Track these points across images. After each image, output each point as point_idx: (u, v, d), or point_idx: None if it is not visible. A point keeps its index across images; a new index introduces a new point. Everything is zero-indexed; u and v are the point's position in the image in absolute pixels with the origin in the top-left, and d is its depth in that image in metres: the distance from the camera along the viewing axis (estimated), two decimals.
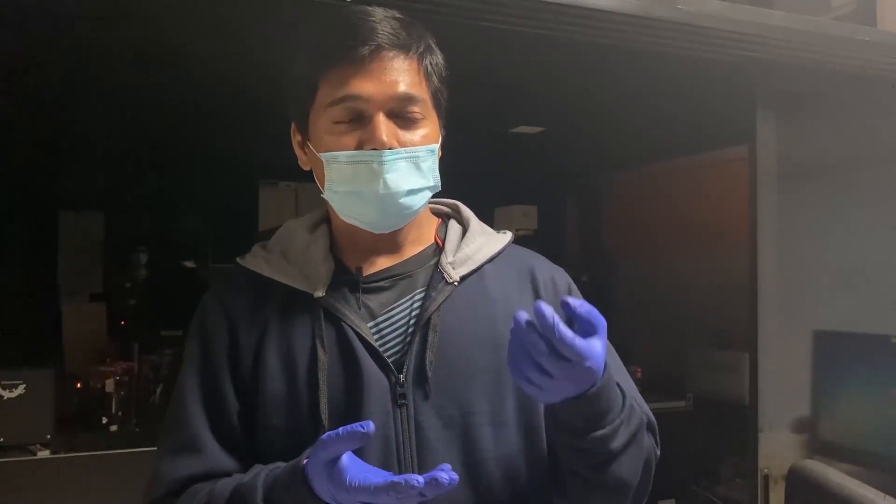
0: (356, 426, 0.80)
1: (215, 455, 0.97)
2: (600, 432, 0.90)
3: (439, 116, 1.04)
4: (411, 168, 0.97)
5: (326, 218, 1.09)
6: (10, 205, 3.44)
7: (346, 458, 0.82)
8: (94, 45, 2.22)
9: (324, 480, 0.82)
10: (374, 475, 0.81)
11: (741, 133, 2.42)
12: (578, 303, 0.83)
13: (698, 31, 2.12)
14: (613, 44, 2.10)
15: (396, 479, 0.78)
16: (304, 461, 0.86)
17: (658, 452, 1.07)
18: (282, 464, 0.91)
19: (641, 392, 1.09)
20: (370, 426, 0.80)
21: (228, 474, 0.97)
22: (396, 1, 1.66)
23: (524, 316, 0.82)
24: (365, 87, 0.95)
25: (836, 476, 1.69)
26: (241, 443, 0.99)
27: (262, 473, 0.91)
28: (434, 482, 0.77)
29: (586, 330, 0.83)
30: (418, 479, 0.77)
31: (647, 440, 1.02)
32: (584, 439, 0.90)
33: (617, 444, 0.92)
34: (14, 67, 2.41)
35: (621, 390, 0.95)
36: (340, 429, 0.81)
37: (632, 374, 3.88)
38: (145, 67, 2.43)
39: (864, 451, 2.35)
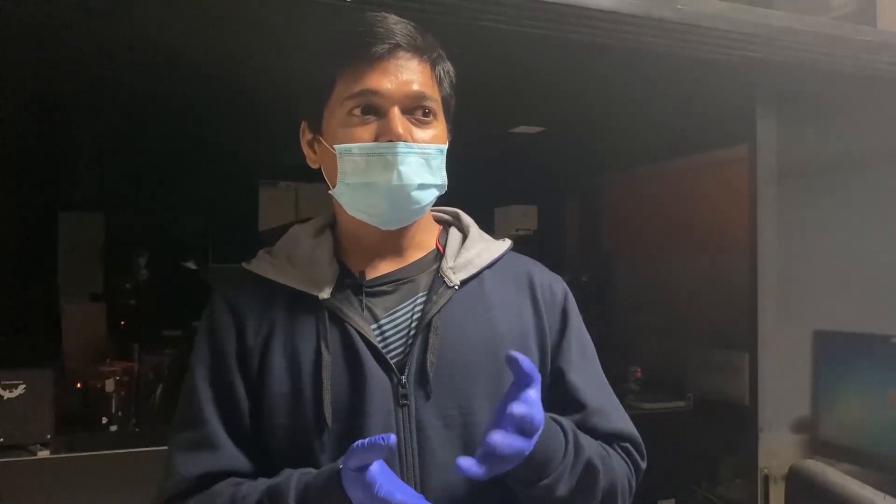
0: (377, 439, 0.83)
1: (230, 452, 0.99)
2: (545, 481, 0.94)
3: (448, 121, 1.07)
4: (422, 163, 1.00)
5: (331, 223, 1.11)
6: (10, 205, 3.44)
7: (377, 468, 0.85)
8: (94, 45, 2.22)
9: (355, 487, 0.85)
10: (399, 491, 0.84)
11: (741, 133, 2.43)
12: (523, 358, 0.87)
13: (698, 31, 2.12)
14: (613, 44, 2.10)
15: (417, 500, 0.84)
16: (340, 466, 0.88)
17: (644, 465, 1.09)
18: (312, 470, 0.93)
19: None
20: (391, 439, 0.83)
21: (243, 472, 0.98)
22: (397, 1, 1.66)
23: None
24: (381, 82, 0.98)
25: (836, 476, 1.69)
26: (253, 440, 1.00)
27: (293, 477, 0.93)
28: None
29: (525, 382, 0.88)
30: None
31: (608, 473, 1.02)
32: (533, 488, 0.94)
33: (563, 490, 0.95)
34: (14, 67, 2.41)
35: (563, 431, 0.97)
36: (366, 439, 0.84)
37: (631, 375, 3.86)
38: (145, 67, 2.43)
39: (864, 451, 2.35)
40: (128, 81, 2.60)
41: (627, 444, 1.08)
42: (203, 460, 0.97)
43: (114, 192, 3.97)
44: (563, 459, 0.95)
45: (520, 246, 1.17)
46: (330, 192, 1.04)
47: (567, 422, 0.99)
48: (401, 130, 0.98)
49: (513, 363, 0.86)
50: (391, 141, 0.98)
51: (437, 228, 1.14)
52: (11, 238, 3.52)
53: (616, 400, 1.12)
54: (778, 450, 2.33)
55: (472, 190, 1.88)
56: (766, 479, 2.30)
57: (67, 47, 2.24)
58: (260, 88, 2.54)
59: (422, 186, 1.00)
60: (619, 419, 1.09)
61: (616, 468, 1.04)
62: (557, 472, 0.94)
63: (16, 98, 2.78)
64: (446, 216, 1.16)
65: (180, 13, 1.97)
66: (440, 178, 1.02)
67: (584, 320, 1.14)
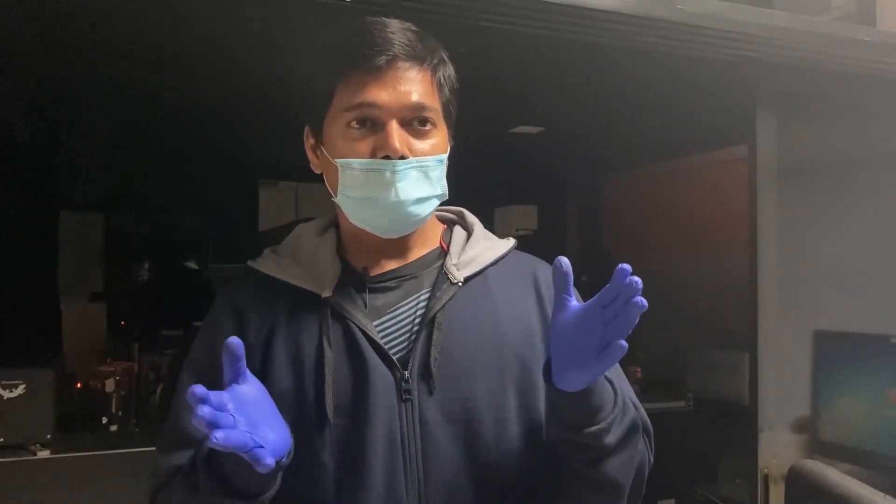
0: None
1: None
2: (595, 427, 0.93)
3: (449, 127, 1.07)
4: (421, 177, 1.00)
5: (335, 222, 1.12)
6: (10, 205, 3.43)
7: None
8: (94, 45, 2.22)
9: None
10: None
11: (741, 133, 2.43)
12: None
13: (698, 31, 2.12)
14: (613, 44, 2.10)
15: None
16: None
17: (652, 458, 1.09)
18: None
19: (641, 392, 1.11)
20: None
21: None
22: (397, 1, 1.66)
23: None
24: (380, 94, 0.99)
25: (836, 476, 1.69)
26: None
27: None
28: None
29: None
30: None
31: (641, 445, 1.04)
32: (582, 433, 0.94)
33: (611, 439, 0.95)
34: (14, 67, 2.41)
35: (612, 387, 0.98)
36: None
37: (631, 374, 3.87)
38: (145, 68, 2.43)
39: (864, 451, 2.35)
40: (127, 82, 2.60)
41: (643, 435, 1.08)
42: (179, 455, 1.00)
43: (114, 192, 3.96)
44: (613, 409, 0.95)
45: (520, 246, 1.17)
46: (333, 199, 1.05)
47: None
48: (398, 145, 0.98)
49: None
50: (388, 157, 0.98)
51: (441, 227, 1.15)
52: (11, 238, 3.51)
53: (630, 390, 1.10)
54: (778, 450, 2.33)
55: (472, 190, 1.88)
56: (766, 479, 2.30)
57: (67, 47, 2.23)
58: (260, 89, 2.53)
59: (420, 200, 1.01)
60: (642, 410, 1.08)
61: (642, 448, 1.04)
62: (608, 420, 0.94)
63: (16, 98, 2.78)
64: (451, 215, 1.17)
65: (180, 13, 1.97)
66: (440, 188, 1.03)
67: None
